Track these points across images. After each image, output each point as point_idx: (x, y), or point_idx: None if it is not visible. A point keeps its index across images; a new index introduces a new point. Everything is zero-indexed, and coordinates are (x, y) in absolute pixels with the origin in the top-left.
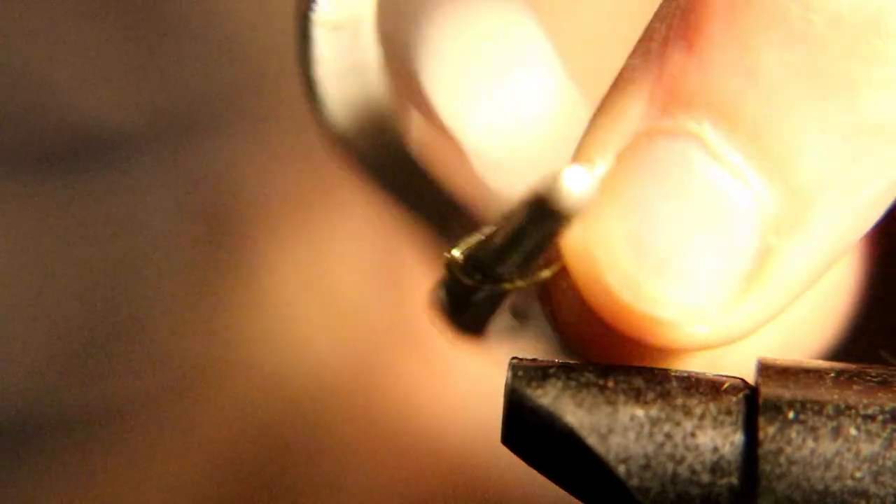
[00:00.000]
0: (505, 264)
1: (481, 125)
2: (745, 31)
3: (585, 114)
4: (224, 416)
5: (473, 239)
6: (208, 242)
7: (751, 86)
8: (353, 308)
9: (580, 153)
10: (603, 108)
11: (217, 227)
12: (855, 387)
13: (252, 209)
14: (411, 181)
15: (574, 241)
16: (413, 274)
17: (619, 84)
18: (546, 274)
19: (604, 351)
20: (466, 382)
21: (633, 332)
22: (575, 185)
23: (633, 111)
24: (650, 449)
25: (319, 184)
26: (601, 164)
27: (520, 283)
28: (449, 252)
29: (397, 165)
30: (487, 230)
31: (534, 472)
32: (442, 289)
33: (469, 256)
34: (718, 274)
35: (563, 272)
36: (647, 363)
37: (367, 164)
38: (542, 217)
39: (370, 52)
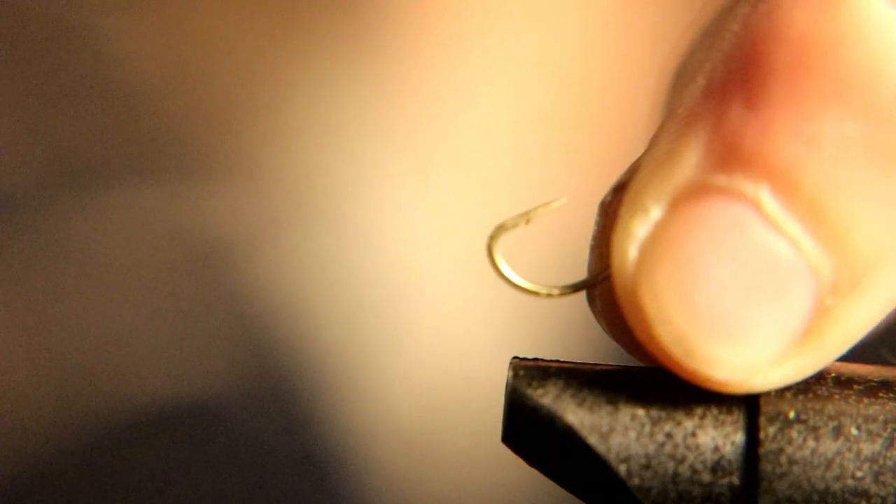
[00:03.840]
0: None
1: None
2: (806, 98)
3: None
4: None
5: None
6: None
7: (811, 154)
8: None
9: (633, 198)
10: (658, 150)
11: None
12: (856, 386)
13: None
14: None
15: (624, 287)
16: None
17: (675, 125)
18: (589, 284)
19: (645, 358)
20: None
21: (679, 374)
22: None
23: (690, 158)
24: (651, 448)
25: None
26: (655, 212)
27: (558, 292)
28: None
29: None
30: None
31: (534, 471)
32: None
33: None
34: (773, 335)
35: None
36: None
37: None
38: None
39: None
